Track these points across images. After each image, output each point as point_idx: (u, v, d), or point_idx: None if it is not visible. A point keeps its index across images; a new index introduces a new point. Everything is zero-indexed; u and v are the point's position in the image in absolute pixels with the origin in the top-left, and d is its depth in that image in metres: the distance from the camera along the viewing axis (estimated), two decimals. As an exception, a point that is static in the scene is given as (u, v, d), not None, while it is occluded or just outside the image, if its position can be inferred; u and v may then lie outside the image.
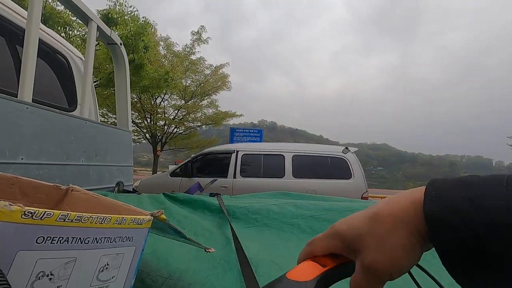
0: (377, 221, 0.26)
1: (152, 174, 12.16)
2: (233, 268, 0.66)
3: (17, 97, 1.06)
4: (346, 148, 4.99)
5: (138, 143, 16.63)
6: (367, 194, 4.70)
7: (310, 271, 0.28)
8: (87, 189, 0.51)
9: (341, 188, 4.55)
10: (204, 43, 13.26)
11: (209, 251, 0.55)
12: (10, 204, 0.24)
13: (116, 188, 1.61)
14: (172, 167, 6.21)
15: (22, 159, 1.01)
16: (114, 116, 11.99)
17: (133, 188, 1.78)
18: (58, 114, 1.18)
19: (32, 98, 1.12)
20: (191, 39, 13.21)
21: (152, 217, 0.40)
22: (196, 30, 13.07)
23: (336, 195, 1.40)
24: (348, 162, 4.78)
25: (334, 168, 4.85)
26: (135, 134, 14.29)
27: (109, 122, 11.00)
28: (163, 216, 0.41)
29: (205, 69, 14.70)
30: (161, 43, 13.28)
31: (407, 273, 0.27)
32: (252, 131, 13.08)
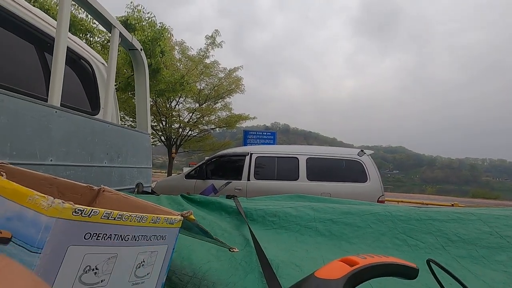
0: None
1: (167, 176, 12.38)
2: (254, 269, 0.67)
3: (47, 101, 1.11)
4: (362, 150, 4.91)
5: (153, 146, 16.97)
6: (384, 197, 4.61)
7: (338, 269, 0.28)
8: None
9: (356, 191, 4.48)
10: (218, 46, 13.42)
11: (233, 251, 0.56)
12: (63, 202, 0.26)
13: (136, 189, 1.66)
14: (186, 169, 6.30)
15: (51, 160, 1.06)
16: (131, 119, 12.31)
17: (152, 189, 1.82)
18: (83, 118, 1.23)
19: (60, 103, 1.17)
20: (205, 43, 13.41)
21: (182, 217, 0.41)
22: (210, 34, 13.26)
23: (351, 199, 1.39)
24: (364, 165, 4.70)
25: (349, 171, 4.77)
26: (151, 136, 14.58)
27: (126, 125, 11.30)
28: (192, 217, 0.43)
29: (219, 72, 14.88)
30: (177, 47, 13.54)
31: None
32: (265, 133, 13.09)
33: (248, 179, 4.80)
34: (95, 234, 0.28)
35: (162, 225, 0.37)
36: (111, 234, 0.30)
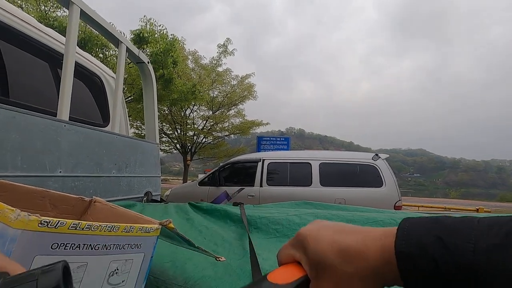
0: (345, 258, 0.25)
1: (183, 183, 12.57)
2: (248, 278, 0.68)
3: (56, 116, 1.17)
4: (376, 154, 4.80)
5: (170, 153, 17.32)
6: (401, 203, 4.47)
7: (291, 273, 0.27)
8: (117, 199, 0.56)
9: (371, 196, 4.38)
10: (230, 54, 13.63)
11: (219, 260, 0.57)
12: (28, 215, 0.28)
13: (145, 198, 1.70)
14: (201, 176, 6.38)
15: (60, 172, 1.11)
16: (147, 128, 12.62)
17: (160, 198, 1.86)
18: (91, 130, 1.28)
19: (70, 116, 1.24)
20: (217, 52, 13.66)
21: (160, 226, 0.43)
22: (222, 43, 13.50)
23: (366, 204, 1.36)
24: (379, 170, 4.59)
25: (364, 175, 4.68)
26: (167, 144, 14.91)
27: (142, 134, 11.63)
28: (171, 225, 0.44)
29: (232, 79, 15.07)
30: (190, 57, 13.86)
31: None
32: (279, 139, 13.07)
33: (261, 185, 4.80)
34: (62, 244, 0.30)
35: (137, 234, 0.38)
36: (79, 244, 0.31)
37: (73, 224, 0.31)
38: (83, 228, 0.31)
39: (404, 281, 0.23)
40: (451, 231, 0.22)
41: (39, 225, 0.28)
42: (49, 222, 0.29)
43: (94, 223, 0.32)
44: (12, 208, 0.28)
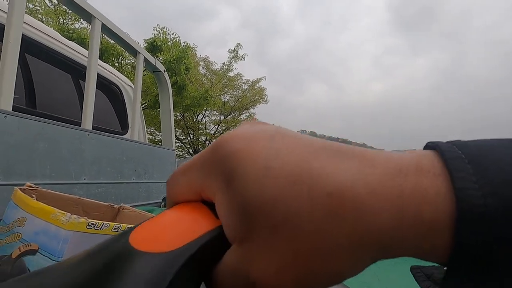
0: (336, 212, 0.12)
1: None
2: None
3: (80, 125, 1.24)
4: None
5: (183, 158, 17.57)
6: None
7: (187, 225, 0.14)
8: (137, 205, 0.60)
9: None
10: (241, 59, 13.78)
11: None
12: (78, 217, 0.31)
13: (163, 203, 1.75)
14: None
15: (84, 179, 1.17)
16: (161, 133, 12.88)
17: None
18: (112, 138, 1.34)
19: (93, 125, 1.30)
20: (228, 57, 13.83)
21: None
22: (232, 48, 13.67)
23: None
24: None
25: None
26: (180, 150, 15.15)
27: (156, 140, 11.86)
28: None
29: (243, 84, 15.20)
30: (201, 63, 14.11)
31: None
32: (291, 142, 13.01)
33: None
34: (106, 245, 0.33)
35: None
36: (120, 245, 0.34)
37: (115, 226, 0.34)
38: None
39: (452, 262, 0.11)
40: None
41: (87, 227, 0.31)
42: (95, 224, 0.32)
43: (131, 225, 0.35)
44: (63, 212, 0.32)
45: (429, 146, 0.14)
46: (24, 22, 0.94)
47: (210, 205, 0.15)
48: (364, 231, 0.12)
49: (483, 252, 0.10)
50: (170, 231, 0.14)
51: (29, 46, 1.28)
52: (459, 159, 0.12)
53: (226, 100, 15.13)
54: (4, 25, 0.89)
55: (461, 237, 0.11)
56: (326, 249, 0.12)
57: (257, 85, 15.40)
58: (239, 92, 15.22)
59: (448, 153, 0.12)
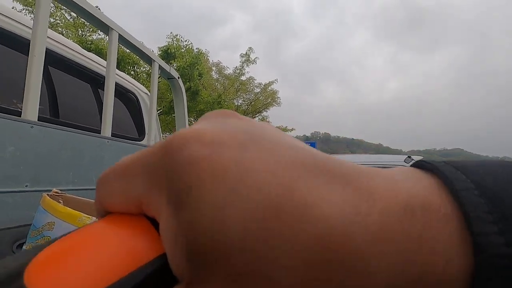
0: (319, 259, 0.09)
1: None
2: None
3: (100, 133, 1.28)
4: (409, 157, 4.60)
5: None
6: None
7: (119, 252, 0.10)
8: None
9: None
10: (253, 63, 13.86)
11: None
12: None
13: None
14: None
15: (105, 184, 1.22)
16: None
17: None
18: (130, 144, 1.39)
19: (111, 132, 1.35)
20: (240, 61, 13.95)
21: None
22: (244, 52, 13.78)
23: None
24: (412, 172, 4.38)
25: (397, 179, 4.48)
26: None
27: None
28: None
29: (255, 87, 15.28)
30: (214, 68, 14.30)
31: None
32: (305, 144, 12.95)
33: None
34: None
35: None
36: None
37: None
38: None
39: None
40: None
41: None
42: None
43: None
44: (89, 216, 0.34)
45: (424, 166, 0.11)
46: (47, 36, 1.00)
47: (154, 220, 0.11)
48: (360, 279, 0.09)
49: None
50: (93, 262, 0.09)
51: (51, 59, 1.35)
52: (469, 191, 0.09)
53: (239, 104, 15.24)
54: (29, 40, 0.94)
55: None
56: None
57: (269, 88, 15.44)
58: (252, 95, 15.31)
59: (456, 182, 0.10)
